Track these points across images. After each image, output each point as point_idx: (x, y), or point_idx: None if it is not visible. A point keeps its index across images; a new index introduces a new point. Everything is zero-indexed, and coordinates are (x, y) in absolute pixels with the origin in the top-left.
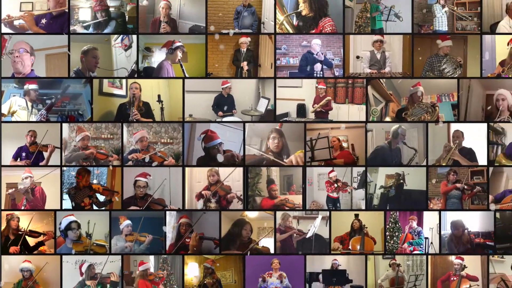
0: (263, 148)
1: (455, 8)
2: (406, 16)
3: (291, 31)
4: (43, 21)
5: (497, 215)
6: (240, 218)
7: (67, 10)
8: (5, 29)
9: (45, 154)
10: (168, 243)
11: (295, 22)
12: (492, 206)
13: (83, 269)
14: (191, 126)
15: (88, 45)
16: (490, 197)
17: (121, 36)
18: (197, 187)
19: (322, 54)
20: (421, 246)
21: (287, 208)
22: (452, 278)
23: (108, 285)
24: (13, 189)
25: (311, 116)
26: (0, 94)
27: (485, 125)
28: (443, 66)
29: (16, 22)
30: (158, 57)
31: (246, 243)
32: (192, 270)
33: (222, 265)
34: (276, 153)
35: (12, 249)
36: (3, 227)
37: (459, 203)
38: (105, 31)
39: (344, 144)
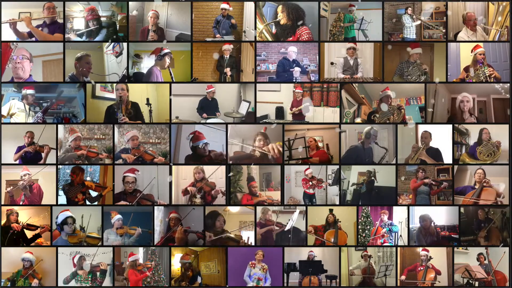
0: (243, 148)
1: (423, 18)
2: (376, 25)
3: (270, 39)
4: (40, 29)
5: (462, 209)
6: (213, 210)
7: (57, 19)
8: (6, 37)
9: (43, 154)
10: (156, 236)
11: (273, 30)
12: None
13: (75, 260)
14: (177, 127)
15: (82, 52)
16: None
17: (113, 43)
18: (183, 184)
19: (298, 61)
20: (393, 235)
21: (266, 203)
22: (419, 268)
23: (98, 273)
24: (11, 187)
25: (289, 118)
26: (0, 97)
27: (450, 126)
28: (408, 73)
29: (19, 27)
30: (147, 63)
31: (220, 233)
32: (178, 261)
33: (206, 256)
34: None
35: (14, 225)
36: (3, 222)
37: (427, 199)
38: (97, 39)
39: (320, 144)
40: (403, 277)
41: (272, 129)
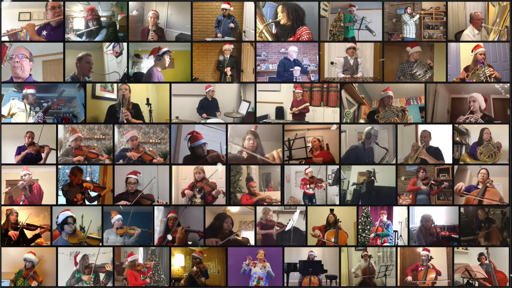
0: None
1: (422, 12)
2: (377, 25)
3: (270, 39)
4: (44, 32)
5: (462, 209)
6: (221, 212)
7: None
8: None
9: (43, 155)
10: (156, 236)
11: (274, 30)
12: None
13: (78, 259)
14: (177, 127)
15: (83, 52)
16: (461, 184)
17: (113, 43)
18: (183, 184)
19: (299, 60)
20: (389, 237)
21: (265, 203)
22: (420, 268)
23: (103, 275)
24: (10, 187)
25: (289, 118)
26: (0, 97)
27: (450, 126)
28: (414, 70)
29: (18, 32)
30: (146, 63)
31: (227, 235)
32: (178, 260)
33: (206, 256)
34: (252, 152)
35: (11, 233)
36: (2, 221)
37: (427, 199)
38: (97, 39)
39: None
40: (409, 278)
41: (270, 128)
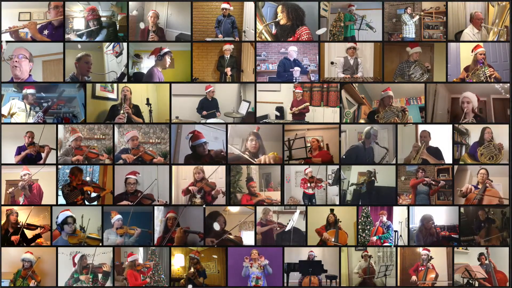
0: (243, 148)
1: (422, 13)
2: (377, 25)
3: (269, 39)
4: (46, 32)
5: (462, 209)
6: (213, 210)
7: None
8: (7, 38)
9: (43, 154)
10: (156, 236)
11: (273, 30)
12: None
13: (76, 259)
14: (177, 127)
15: (82, 52)
16: (469, 186)
17: (113, 43)
18: (183, 184)
19: (299, 60)
20: (390, 239)
21: (265, 204)
22: (420, 268)
23: (100, 275)
24: (13, 188)
25: (289, 118)
26: (0, 97)
27: (450, 126)
28: (411, 72)
29: (20, 31)
30: (147, 63)
31: (220, 234)
32: (178, 260)
33: (206, 255)
34: (253, 153)
35: (13, 238)
36: (3, 221)
37: (427, 199)
38: (97, 39)
39: (321, 144)
40: (414, 277)
41: (270, 128)
